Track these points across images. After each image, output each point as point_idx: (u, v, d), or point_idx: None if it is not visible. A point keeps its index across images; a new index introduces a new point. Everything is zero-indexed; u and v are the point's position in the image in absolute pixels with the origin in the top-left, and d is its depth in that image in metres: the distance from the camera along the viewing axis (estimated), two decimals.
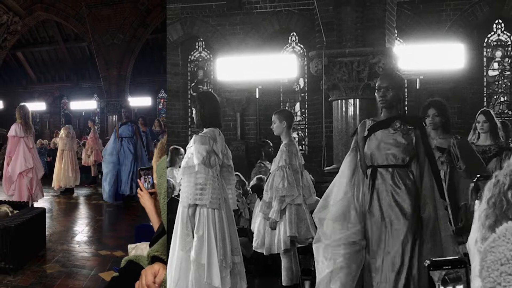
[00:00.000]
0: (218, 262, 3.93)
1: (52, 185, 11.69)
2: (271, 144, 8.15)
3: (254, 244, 5.47)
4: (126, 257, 3.39)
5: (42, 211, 6.78)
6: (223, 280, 3.96)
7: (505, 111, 12.21)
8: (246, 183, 7.23)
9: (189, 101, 13.87)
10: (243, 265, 4.26)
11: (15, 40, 9.41)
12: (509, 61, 12.32)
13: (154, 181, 3.32)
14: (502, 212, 1.06)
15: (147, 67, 18.68)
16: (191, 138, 4.19)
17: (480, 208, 1.12)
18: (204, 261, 3.92)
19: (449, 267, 1.38)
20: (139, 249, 3.63)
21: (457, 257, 2.49)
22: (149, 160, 9.65)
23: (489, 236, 1.07)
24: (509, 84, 12.33)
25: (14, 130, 8.33)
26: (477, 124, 5.36)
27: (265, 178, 5.92)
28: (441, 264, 1.46)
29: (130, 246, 3.93)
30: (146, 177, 3.36)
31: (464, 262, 1.32)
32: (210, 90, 12.80)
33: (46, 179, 11.03)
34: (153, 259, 2.91)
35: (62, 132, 11.97)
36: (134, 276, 2.96)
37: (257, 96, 12.41)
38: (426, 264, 2.91)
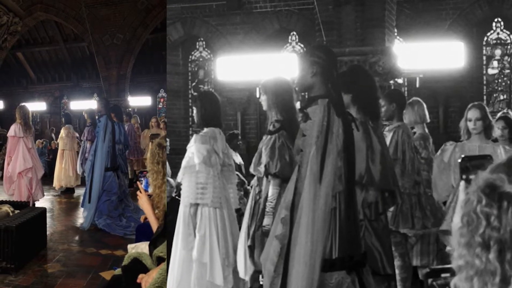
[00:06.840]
0: (220, 261, 3.96)
1: (53, 185, 11.70)
2: (239, 137, 8.19)
3: None
4: (129, 254, 3.44)
5: (43, 210, 6.80)
6: (226, 278, 3.98)
7: (505, 110, 12.21)
8: (246, 182, 7.23)
9: (190, 100, 13.90)
10: None
11: (15, 41, 9.38)
12: (509, 60, 12.34)
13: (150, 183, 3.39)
14: (474, 227, 1.05)
15: (147, 66, 18.70)
16: (192, 138, 4.21)
17: (455, 226, 1.11)
18: (206, 260, 3.94)
19: (448, 274, 1.37)
20: (139, 249, 3.68)
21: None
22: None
23: (465, 253, 1.06)
24: (508, 82, 12.35)
25: (13, 130, 8.38)
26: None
27: None
28: (439, 272, 1.45)
29: (130, 246, 3.97)
30: (142, 179, 3.42)
31: None
32: (211, 89, 12.83)
33: (47, 179, 11.02)
34: (158, 260, 2.98)
35: (63, 132, 11.98)
36: (137, 275, 3.01)
37: (258, 96, 12.41)
38: (425, 272, 2.88)
